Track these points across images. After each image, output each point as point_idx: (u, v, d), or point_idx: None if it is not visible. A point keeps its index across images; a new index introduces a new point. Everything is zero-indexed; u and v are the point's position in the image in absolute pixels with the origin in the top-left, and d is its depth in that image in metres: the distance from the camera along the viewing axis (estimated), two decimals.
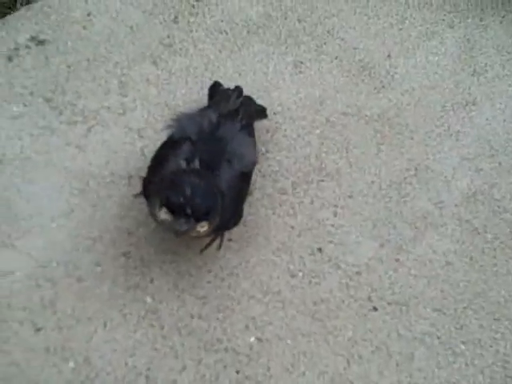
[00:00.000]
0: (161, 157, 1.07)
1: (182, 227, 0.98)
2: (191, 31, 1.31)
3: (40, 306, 1.04)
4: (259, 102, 1.24)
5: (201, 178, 1.02)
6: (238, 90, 1.21)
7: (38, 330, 1.05)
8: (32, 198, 1.11)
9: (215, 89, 1.23)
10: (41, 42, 1.26)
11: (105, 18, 1.30)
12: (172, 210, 0.98)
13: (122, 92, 1.23)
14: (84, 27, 1.28)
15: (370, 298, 1.12)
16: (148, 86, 1.25)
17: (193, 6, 1.34)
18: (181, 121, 1.10)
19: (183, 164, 1.04)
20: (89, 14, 1.30)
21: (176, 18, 1.32)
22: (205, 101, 1.21)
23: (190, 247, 1.12)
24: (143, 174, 1.09)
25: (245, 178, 1.08)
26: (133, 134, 1.20)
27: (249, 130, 1.13)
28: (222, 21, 1.34)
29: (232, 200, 1.04)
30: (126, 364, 1.04)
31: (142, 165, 1.16)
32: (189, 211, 0.98)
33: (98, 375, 1.03)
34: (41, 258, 1.08)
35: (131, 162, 1.17)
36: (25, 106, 1.19)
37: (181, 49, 1.29)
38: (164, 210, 0.99)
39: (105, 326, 1.06)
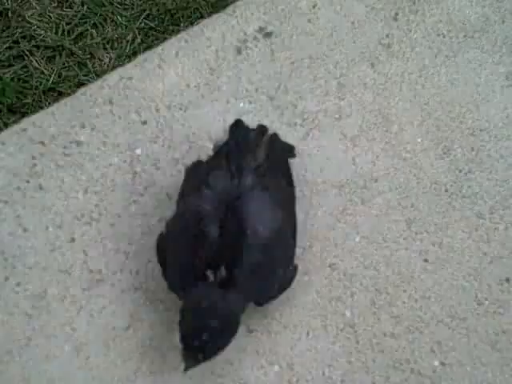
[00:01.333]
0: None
1: (187, 363, 0.88)
2: (410, 31, 1.15)
3: (252, 310, 0.95)
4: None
5: (224, 303, 0.89)
6: (262, 130, 1.02)
7: (251, 332, 0.99)
8: None
9: (237, 130, 1.01)
10: (268, 35, 1.12)
11: (329, 11, 1.14)
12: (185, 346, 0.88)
13: (340, 95, 1.09)
14: (309, 20, 1.13)
15: None
16: (364, 90, 1.10)
17: (413, 3, 1.16)
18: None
19: (211, 277, 0.90)
20: (314, 6, 1.13)
21: (397, 14, 1.15)
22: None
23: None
24: (353, 184, 0.97)
25: (271, 245, 0.92)
26: (347, 141, 1.06)
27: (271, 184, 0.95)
28: (441, 21, 1.16)
29: (261, 278, 0.92)
30: (323, 374, 0.97)
31: (351, 174, 1.03)
32: (200, 357, 0.88)
33: (298, 381, 0.96)
34: None
35: (343, 170, 1.04)
36: (250, 103, 1.06)
37: (398, 50, 1.14)
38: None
39: (308, 334, 0.99)
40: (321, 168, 1.05)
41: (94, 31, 1.55)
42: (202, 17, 1.43)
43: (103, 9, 1.58)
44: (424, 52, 1.15)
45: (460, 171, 1.07)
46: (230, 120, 1.02)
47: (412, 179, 1.06)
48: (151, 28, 1.56)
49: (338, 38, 1.14)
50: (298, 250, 0.98)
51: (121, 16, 1.58)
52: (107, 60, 1.52)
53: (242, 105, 1.07)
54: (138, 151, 1.04)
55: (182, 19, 1.54)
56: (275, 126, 1.06)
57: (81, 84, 1.42)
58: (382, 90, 1.11)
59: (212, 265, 0.90)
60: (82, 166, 1.04)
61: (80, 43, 1.52)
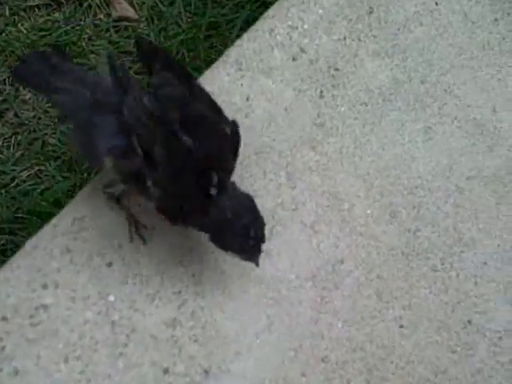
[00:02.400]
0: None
1: (257, 258, 0.85)
2: (337, 106, 1.03)
3: None
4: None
5: (237, 196, 0.84)
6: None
7: None
8: (235, 316, 0.88)
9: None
10: None
11: (262, 101, 1.01)
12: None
13: (291, 184, 0.97)
14: (246, 115, 1.00)
15: None
16: (311, 173, 0.99)
17: (333, 77, 1.04)
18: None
19: (214, 191, 0.82)
20: (247, 99, 1.00)
21: (321, 92, 1.03)
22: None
23: None
24: (323, 271, 0.87)
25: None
26: (307, 229, 0.95)
27: None
28: (361, 90, 1.05)
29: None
30: None
31: (320, 262, 0.93)
32: (262, 246, 0.84)
33: None
34: (254, 379, 0.87)
35: (311, 260, 0.93)
36: None
37: (331, 127, 1.02)
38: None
39: None
40: (291, 263, 0.93)
41: None
42: None
43: None
44: (353, 124, 1.03)
45: (409, 231, 0.97)
46: None
47: (372, 251, 0.96)
48: None
49: (277, 127, 1.01)
50: (290, 354, 0.88)
51: None
52: None
53: None
54: (111, 297, 0.88)
55: None
56: None
57: None
58: (326, 170, 0.99)
59: (204, 177, 0.81)
60: (55, 332, 0.85)
61: None
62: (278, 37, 1.05)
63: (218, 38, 1.36)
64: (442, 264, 0.94)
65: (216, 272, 0.90)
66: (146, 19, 1.41)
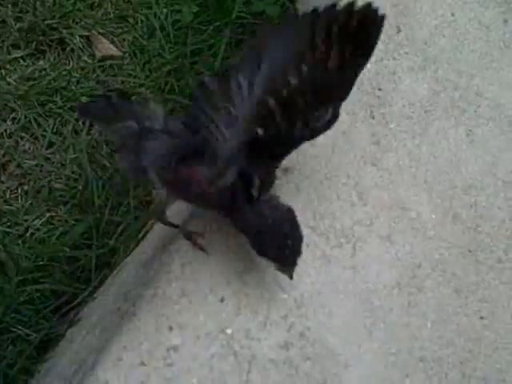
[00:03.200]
0: None
1: (291, 271, 0.80)
2: (387, 123, 0.99)
3: None
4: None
5: (277, 204, 0.79)
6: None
7: None
8: (338, 331, 0.85)
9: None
10: (286, 170, 0.93)
11: None
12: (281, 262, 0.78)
13: (363, 202, 0.94)
14: (311, 144, 0.94)
15: None
16: (378, 189, 0.95)
17: (378, 97, 1.00)
18: None
19: (256, 193, 0.77)
20: None
21: (372, 112, 0.99)
22: None
23: None
24: (407, 278, 0.84)
25: None
26: (384, 241, 0.92)
27: None
28: (404, 105, 1.01)
29: None
30: None
31: (402, 270, 0.90)
32: (297, 258, 0.79)
33: None
34: None
35: (393, 269, 0.90)
36: None
37: (386, 144, 0.98)
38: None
39: None
40: (377, 275, 0.90)
41: None
42: None
43: None
44: (404, 138, 0.99)
45: (471, 229, 0.94)
46: None
47: (443, 252, 0.92)
48: None
49: (339, 151, 0.97)
50: (391, 357, 0.86)
51: None
52: None
53: None
54: (229, 330, 0.83)
55: None
56: (327, 252, 0.90)
57: None
58: (389, 184, 0.95)
59: (247, 181, 0.75)
60: (188, 369, 0.80)
61: None
62: None
63: (203, 64, 1.31)
64: (506, 255, 0.92)
65: (314, 293, 0.86)
66: (129, 55, 1.36)
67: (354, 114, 0.96)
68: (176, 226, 0.84)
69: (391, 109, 0.98)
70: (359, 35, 0.74)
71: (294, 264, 0.78)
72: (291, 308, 0.84)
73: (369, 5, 0.75)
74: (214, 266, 0.84)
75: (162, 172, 0.77)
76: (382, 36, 0.98)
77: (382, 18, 0.76)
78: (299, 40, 0.73)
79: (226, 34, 1.30)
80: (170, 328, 0.80)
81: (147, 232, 1.08)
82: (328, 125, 0.76)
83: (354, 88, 0.91)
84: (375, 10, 0.75)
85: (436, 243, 0.90)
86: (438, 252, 0.90)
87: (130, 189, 1.13)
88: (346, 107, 0.93)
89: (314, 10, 0.73)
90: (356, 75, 0.76)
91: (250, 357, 0.81)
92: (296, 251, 0.77)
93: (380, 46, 0.97)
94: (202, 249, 0.83)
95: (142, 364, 0.78)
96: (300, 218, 0.86)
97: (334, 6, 0.74)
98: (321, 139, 0.91)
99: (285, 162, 0.88)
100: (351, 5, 0.74)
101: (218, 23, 1.38)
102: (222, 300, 0.82)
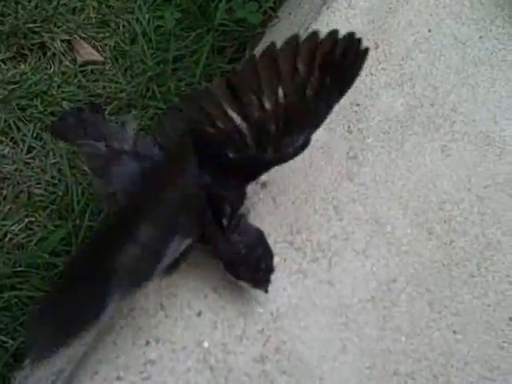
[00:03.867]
0: None
1: (266, 286, 0.80)
2: (364, 138, 0.99)
3: None
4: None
5: (250, 227, 0.80)
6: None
7: None
8: (313, 344, 0.85)
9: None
10: (264, 185, 0.93)
11: None
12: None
13: (339, 216, 0.94)
14: None
15: None
16: (354, 204, 0.95)
17: (356, 112, 1.00)
18: None
19: (226, 222, 0.77)
20: None
21: (349, 127, 0.99)
22: None
23: None
24: (381, 294, 0.84)
25: None
26: (360, 255, 0.92)
27: None
28: (381, 120, 1.00)
29: None
30: None
31: (377, 284, 0.90)
32: (271, 275, 0.80)
33: None
34: None
35: (368, 285, 0.91)
36: (275, 255, 0.88)
37: (363, 159, 0.98)
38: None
39: None
40: (352, 289, 0.89)
41: None
42: None
43: None
44: (381, 152, 0.99)
45: (445, 244, 0.95)
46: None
47: (418, 267, 0.92)
48: None
49: (317, 166, 0.96)
50: (365, 371, 0.86)
51: None
52: None
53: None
54: (206, 344, 0.82)
55: None
56: (304, 266, 0.90)
57: None
58: (366, 199, 0.95)
59: (217, 210, 0.74)
60: (165, 383, 0.80)
61: None
62: None
63: (185, 70, 1.30)
64: (478, 269, 0.92)
65: (290, 308, 0.86)
66: (111, 60, 1.34)
67: (332, 129, 0.96)
68: None
69: (368, 124, 0.98)
70: (342, 65, 0.74)
71: (268, 281, 0.79)
72: (267, 322, 0.84)
73: (352, 34, 0.74)
74: (191, 280, 0.83)
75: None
76: None
77: (366, 49, 0.75)
78: (279, 64, 0.72)
79: (208, 42, 1.29)
80: (147, 342, 0.79)
81: None
82: (298, 151, 0.76)
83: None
84: (359, 40, 0.74)
85: (411, 258, 0.90)
86: (412, 266, 0.90)
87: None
88: (324, 122, 0.93)
89: (296, 37, 0.73)
90: (332, 106, 0.76)
91: (226, 371, 0.80)
92: (269, 270, 0.78)
93: None
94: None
95: (119, 378, 0.77)
96: (277, 233, 0.85)
97: (316, 33, 0.73)
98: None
99: (263, 177, 0.87)
100: (335, 33, 0.73)
101: (200, 30, 1.37)
102: (198, 314, 0.82)
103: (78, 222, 1.14)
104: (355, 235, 0.91)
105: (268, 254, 0.78)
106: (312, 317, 0.85)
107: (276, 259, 0.86)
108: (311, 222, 0.90)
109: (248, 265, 0.77)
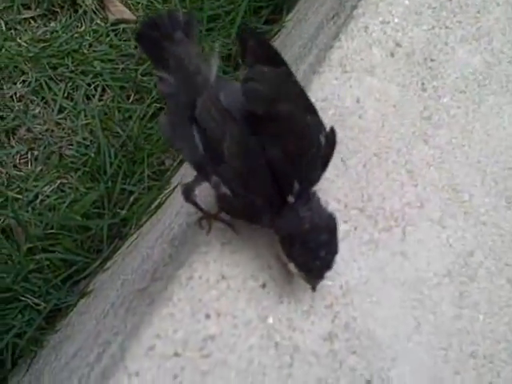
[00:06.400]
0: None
1: (315, 283, 0.67)
2: (439, 97, 0.84)
3: None
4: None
5: (318, 213, 0.65)
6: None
7: None
8: (385, 322, 0.72)
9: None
10: None
11: (371, 101, 0.82)
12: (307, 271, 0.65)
13: (413, 182, 0.79)
14: (360, 116, 0.81)
15: None
16: (428, 168, 0.80)
17: (430, 68, 0.85)
18: None
19: (292, 199, 0.64)
20: (358, 101, 0.81)
21: (423, 84, 0.84)
22: None
23: None
24: (457, 265, 0.71)
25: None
26: (435, 225, 0.78)
27: None
28: (457, 78, 0.86)
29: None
30: None
31: (452, 257, 0.76)
32: (325, 271, 0.66)
33: None
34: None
35: (445, 257, 0.77)
36: (345, 222, 0.74)
37: (438, 119, 0.83)
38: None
39: None
40: (427, 262, 0.76)
41: None
42: None
43: None
44: (457, 113, 0.85)
45: None
46: None
47: (496, 239, 0.79)
48: None
49: (390, 126, 0.82)
50: (440, 352, 0.73)
51: None
52: None
53: (342, 227, 0.75)
54: (270, 320, 0.69)
55: (3, 81, 1.13)
56: (375, 236, 0.76)
57: None
58: (441, 163, 0.81)
59: (285, 186, 0.63)
60: (225, 361, 0.66)
61: None
62: (373, 34, 0.84)
63: (219, 31, 1.18)
64: None
65: (361, 281, 0.72)
66: (143, 19, 1.20)
67: (405, 86, 0.82)
68: (201, 209, 0.69)
69: (443, 81, 0.83)
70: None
71: (320, 277, 0.65)
72: (336, 296, 0.71)
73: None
74: (255, 247, 0.69)
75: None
76: (434, 3, 0.84)
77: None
78: None
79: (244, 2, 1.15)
80: (207, 315, 0.67)
81: (161, 204, 0.93)
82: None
83: (405, 57, 0.77)
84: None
85: (489, 229, 0.77)
86: (491, 239, 0.77)
87: (144, 157, 0.99)
88: (396, 78, 0.79)
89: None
90: None
91: (291, 349, 0.68)
92: (327, 264, 0.64)
93: (431, 13, 0.82)
94: (228, 224, 0.68)
95: (176, 355, 0.64)
96: (347, 198, 0.72)
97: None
98: (370, 112, 0.77)
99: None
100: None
101: None
102: (263, 286, 0.69)
103: (110, 184, 1.03)
104: (430, 203, 0.77)
105: (333, 247, 0.64)
106: (384, 291, 0.72)
107: (346, 227, 0.72)
108: (383, 188, 0.76)
109: (306, 245, 0.63)
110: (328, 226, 0.63)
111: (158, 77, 0.68)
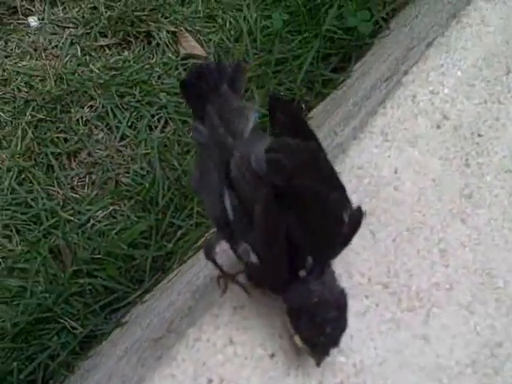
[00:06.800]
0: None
1: (319, 359, 0.63)
2: (483, 175, 0.80)
3: None
4: None
5: (329, 289, 0.63)
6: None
7: None
8: None
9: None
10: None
11: (410, 173, 0.78)
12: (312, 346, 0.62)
13: (444, 262, 0.75)
14: (395, 188, 0.77)
15: None
16: (463, 249, 0.76)
17: (478, 144, 0.81)
18: None
19: (303, 273, 0.61)
20: (396, 171, 0.77)
21: (467, 160, 0.80)
22: None
23: None
24: (483, 356, 0.66)
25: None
26: (463, 311, 0.73)
27: None
28: (505, 156, 0.81)
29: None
30: None
31: (477, 345, 0.71)
32: (331, 347, 0.63)
33: None
34: None
35: (469, 344, 0.71)
36: (366, 297, 0.71)
37: (479, 199, 0.79)
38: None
39: None
40: (450, 349, 0.72)
41: None
42: None
43: None
44: (500, 193, 0.80)
45: None
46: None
47: None
48: (41, 119, 1.17)
49: (426, 201, 0.78)
50: None
51: (3, 112, 1.18)
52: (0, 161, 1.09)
53: (360, 303, 0.72)
54: None
55: (71, 104, 1.14)
56: (397, 316, 0.73)
57: None
58: (477, 245, 0.77)
59: (298, 259, 0.61)
60: None
61: None
62: (420, 103, 0.81)
63: (286, 74, 1.19)
64: None
65: (376, 361, 0.68)
66: (213, 56, 1.23)
67: (447, 159, 0.78)
68: (221, 269, 0.68)
69: (489, 159, 0.80)
70: None
71: (326, 354, 0.63)
72: (348, 375, 0.67)
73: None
74: (268, 315, 0.67)
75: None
76: (489, 76, 0.80)
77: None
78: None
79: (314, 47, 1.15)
80: (210, 380, 0.65)
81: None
82: None
83: (451, 131, 0.74)
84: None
85: None
86: None
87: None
88: (439, 151, 0.76)
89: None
90: None
91: None
92: (333, 341, 0.62)
93: (484, 86, 0.79)
94: (244, 288, 0.66)
95: None
96: (371, 272, 0.68)
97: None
98: (407, 184, 0.74)
99: (363, 206, 0.70)
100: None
101: (306, 34, 1.24)
102: (272, 356, 0.66)
103: (160, 216, 1.04)
104: (461, 286, 0.73)
105: (341, 323, 0.62)
106: (400, 375, 0.68)
107: (366, 302, 0.69)
108: (411, 265, 0.72)
109: (313, 320, 0.61)
110: (337, 302, 0.61)
111: (194, 126, 0.67)
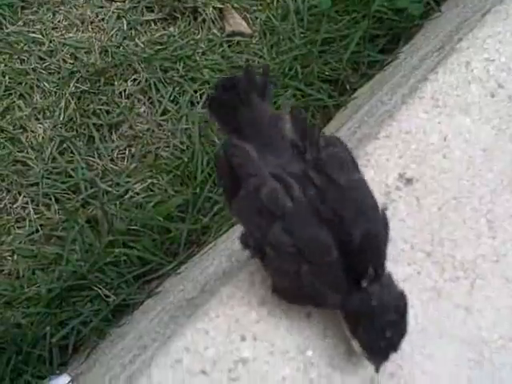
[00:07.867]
0: None
1: (379, 363, 0.61)
2: None
3: None
4: None
5: (388, 292, 0.60)
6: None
7: None
8: (435, 379, 0.64)
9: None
10: (409, 181, 0.73)
11: (460, 142, 0.75)
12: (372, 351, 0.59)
13: (492, 234, 0.71)
14: (444, 156, 0.74)
15: None
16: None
17: None
18: None
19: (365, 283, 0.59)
20: (445, 138, 0.74)
21: None
22: None
23: None
24: None
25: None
26: (509, 284, 0.69)
27: None
28: None
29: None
30: None
31: None
32: (391, 352, 0.60)
33: None
34: None
35: None
36: (408, 264, 0.68)
37: None
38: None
39: None
40: (493, 322, 0.68)
41: (21, 102, 1.12)
42: None
43: (27, 77, 1.13)
44: None
45: None
46: None
47: None
48: (84, 91, 1.16)
49: (476, 170, 0.75)
50: None
51: (48, 82, 1.17)
52: (41, 131, 1.10)
53: (401, 269, 0.69)
54: (309, 353, 0.64)
55: (115, 77, 1.13)
56: (440, 285, 0.70)
57: (16, 161, 1.04)
58: None
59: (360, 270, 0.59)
60: None
61: (8, 117, 1.10)
62: (474, 70, 0.78)
63: (332, 54, 1.17)
64: None
65: (415, 330, 0.65)
66: (259, 34, 1.22)
67: (500, 130, 0.75)
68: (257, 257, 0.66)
69: None
70: None
71: (385, 358, 0.60)
72: None
73: None
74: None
75: None
76: None
77: None
78: None
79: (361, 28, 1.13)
80: (243, 337, 0.63)
81: None
82: None
83: (506, 100, 0.71)
84: None
85: None
86: None
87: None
88: (492, 121, 0.73)
89: None
90: None
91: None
92: (392, 345, 0.59)
93: None
94: None
95: (203, 372, 0.61)
96: (415, 239, 0.66)
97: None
98: (457, 152, 0.71)
99: (409, 171, 0.68)
100: None
101: (355, 15, 1.21)
102: (308, 315, 0.64)
103: (197, 190, 1.04)
104: (508, 259, 0.69)
105: (401, 327, 0.60)
106: (439, 345, 0.66)
107: (408, 270, 0.67)
108: (457, 234, 0.69)
109: (372, 324, 0.58)
110: (397, 305, 0.59)
111: (231, 143, 0.65)
